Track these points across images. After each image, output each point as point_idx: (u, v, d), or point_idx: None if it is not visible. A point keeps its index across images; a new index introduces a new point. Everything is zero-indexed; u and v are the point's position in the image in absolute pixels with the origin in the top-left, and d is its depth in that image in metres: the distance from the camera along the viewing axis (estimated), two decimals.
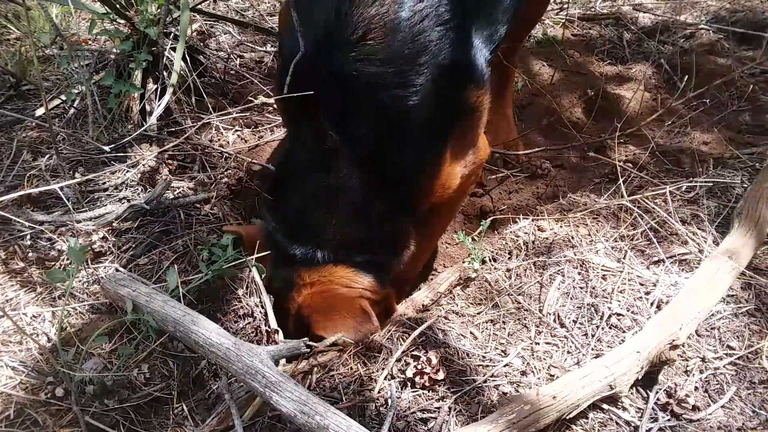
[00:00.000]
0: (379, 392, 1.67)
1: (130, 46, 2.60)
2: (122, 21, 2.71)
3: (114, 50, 2.78)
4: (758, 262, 2.05)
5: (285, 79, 1.79)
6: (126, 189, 2.39)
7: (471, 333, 1.87)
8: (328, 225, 1.92)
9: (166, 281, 1.99)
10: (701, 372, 1.74)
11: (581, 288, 1.97)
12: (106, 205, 2.27)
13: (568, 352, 1.79)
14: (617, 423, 1.61)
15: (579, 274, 2.02)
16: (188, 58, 2.84)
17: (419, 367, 1.68)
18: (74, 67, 2.75)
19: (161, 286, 2.00)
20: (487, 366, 1.75)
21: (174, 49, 2.76)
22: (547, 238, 2.18)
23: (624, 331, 1.83)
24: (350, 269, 1.92)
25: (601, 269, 2.02)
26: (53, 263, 2.09)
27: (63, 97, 2.71)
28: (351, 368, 1.73)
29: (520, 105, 3.06)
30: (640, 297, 1.93)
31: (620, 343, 1.77)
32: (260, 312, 1.96)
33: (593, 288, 1.96)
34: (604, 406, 1.63)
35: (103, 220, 2.19)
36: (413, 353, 1.74)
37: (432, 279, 2.21)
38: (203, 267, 2.00)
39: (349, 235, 1.92)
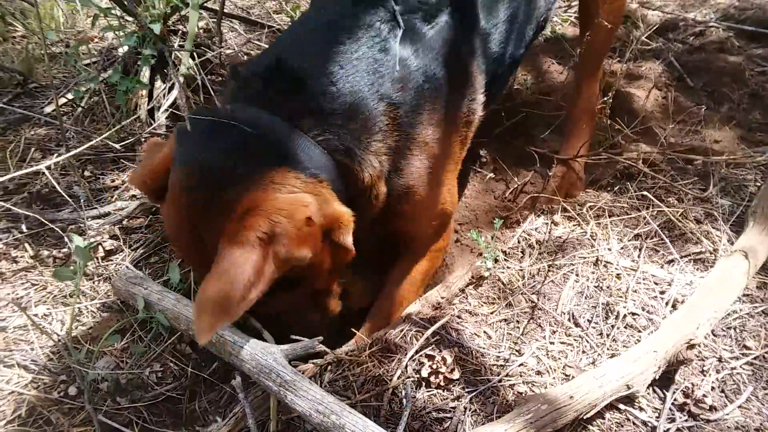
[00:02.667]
0: (393, 391, 1.65)
1: (136, 42, 2.59)
2: (129, 18, 2.70)
3: (121, 47, 2.77)
4: None
5: None
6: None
7: (485, 332, 1.85)
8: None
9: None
10: (718, 372, 1.72)
11: (596, 287, 1.95)
12: (116, 203, 2.27)
13: (583, 352, 1.77)
14: (634, 423, 1.59)
15: (593, 273, 2.00)
16: (197, 56, 2.83)
17: (434, 366, 1.67)
18: (82, 64, 2.74)
19: (166, 281, 2.00)
20: (502, 365, 1.73)
21: (182, 47, 2.76)
22: (560, 237, 2.16)
23: (639, 331, 1.81)
24: (290, 179, 1.46)
25: (615, 268, 2.01)
26: (63, 261, 2.08)
27: (70, 95, 2.70)
28: (365, 367, 1.72)
29: (529, 103, 3.04)
30: (655, 296, 1.92)
31: (635, 343, 1.76)
32: None
33: (608, 287, 1.94)
34: (621, 406, 1.62)
35: (113, 218, 2.19)
36: (428, 353, 1.73)
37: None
38: None
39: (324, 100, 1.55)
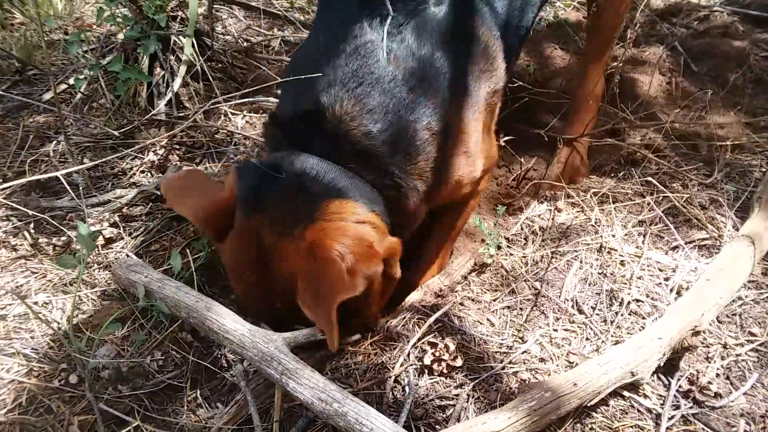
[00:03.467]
0: (396, 379, 1.64)
1: (138, 32, 2.56)
2: (129, 3, 2.67)
3: (121, 35, 2.74)
4: None
5: None
6: (135, 174, 2.37)
7: (488, 319, 1.84)
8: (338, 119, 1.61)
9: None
10: (723, 359, 1.71)
11: (599, 274, 1.94)
12: (115, 191, 2.25)
13: (587, 339, 1.76)
14: (639, 410, 1.58)
15: (597, 259, 1.99)
16: (195, 43, 2.80)
17: (437, 353, 1.65)
18: (80, 51, 2.71)
19: (167, 269, 1.99)
20: (505, 353, 1.72)
21: (181, 33, 2.73)
22: (563, 223, 2.15)
23: (643, 318, 1.80)
24: (351, 210, 1.56)
25: (620, 255, 1.99)
26: (63, 250, 2.07)
27: (71, 82, 2.67)
28: (368, 355, 1.71)
29: (531, 89, 3.01)
30: (660, 283, 1.90)
31: (640, 330, 1.74)
32: None
33: (612, 274, 1.93)
34: (625, 393, 1.60)
35: (112, 205, 2.17)
36: (430, 340, 1.71)
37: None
38: (199, 245, 2.02)
39: (365, 138, 1.61)
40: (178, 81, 2.58)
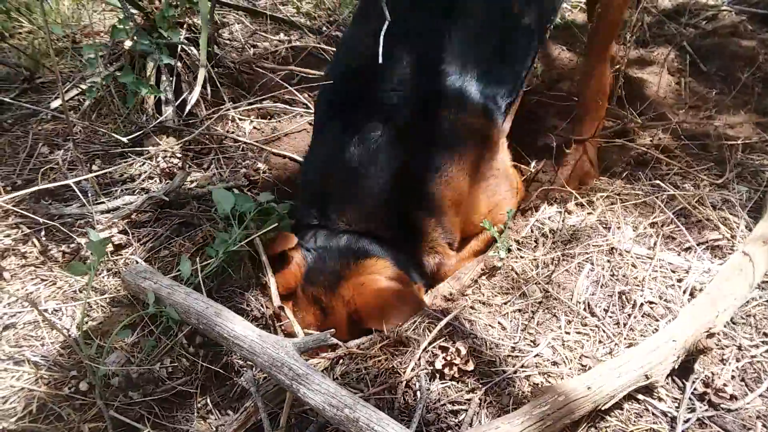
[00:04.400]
0: (407, 384, 1.63)
1: (148, 45, 2.56)
2: (136, 12, 2.68)
3: (128, 42, 2.75)
4: None
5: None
6: (144, 180, 2.37)
7: (499, 323, 1.83)
8: (362, 209, 2.02)
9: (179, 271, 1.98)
10: (738, 360, 1.69)
11: (611, 276, 1.92)
12: (124, 197, 2.24)
13: (600, 342, 1.74)
14: (653, 413, 1.56)
15: (608, 261, 1.97)
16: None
17: (448, 358, 1.64)
18: (89, 58, 2.71)
19: (176, 275, 1.98)
20: (517, 356, 1.71)
21: (188, 39, 2.73)
22: (573, 226, 2.13)
23: (657, 320, 1.78)
24: (388, 261, 1.98)
25: (631, 256, 1.97)
26: (73, 257, 2.07)
27: (82, 87, 2.68)
28: (378, 360, 1.69)
29: (540, 90, 3.00)
30: (672, 284, 1.88)
31: (653, 332, 1.72)
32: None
33: (624, 276, 1.91)
34: (640, 396, 1.58)
35: (121, 212, 2.17)
36: (441, 344, 1.70)
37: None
38: (212, 252, 2.01)
39: (382, 220, 2.02)
40: (196, 91, 2.58)
